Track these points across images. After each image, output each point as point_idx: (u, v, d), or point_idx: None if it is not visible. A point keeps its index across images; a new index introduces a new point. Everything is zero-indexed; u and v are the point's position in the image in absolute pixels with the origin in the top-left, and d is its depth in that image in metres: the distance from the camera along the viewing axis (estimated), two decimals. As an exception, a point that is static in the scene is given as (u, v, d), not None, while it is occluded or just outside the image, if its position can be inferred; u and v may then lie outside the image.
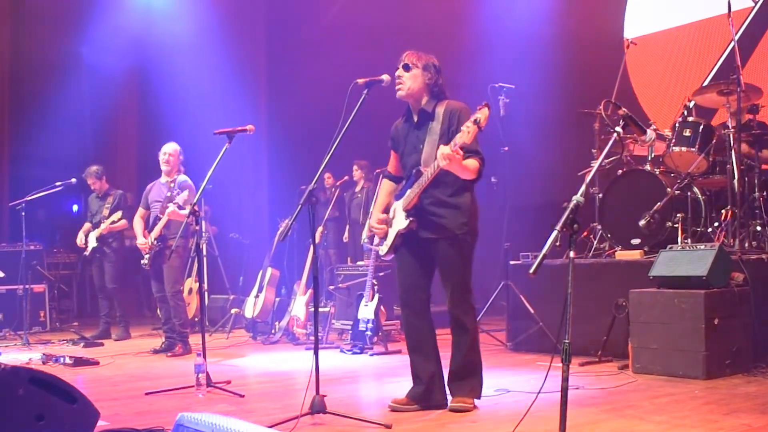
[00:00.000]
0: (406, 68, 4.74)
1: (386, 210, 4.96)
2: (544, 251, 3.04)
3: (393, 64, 4.80)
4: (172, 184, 7.85)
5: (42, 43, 12.33)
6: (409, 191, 4.71)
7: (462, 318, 4.75)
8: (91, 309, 11.51)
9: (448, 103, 4.75)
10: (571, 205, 3.11)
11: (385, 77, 4.70)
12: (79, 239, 9.44)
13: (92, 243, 9.33)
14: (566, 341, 3.09)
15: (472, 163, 4.53)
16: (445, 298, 4.78)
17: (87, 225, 9.59)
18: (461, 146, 4.35)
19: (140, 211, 8.18)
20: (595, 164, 3.56)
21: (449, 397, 4.79)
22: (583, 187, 3.18)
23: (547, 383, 3.68)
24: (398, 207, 4.80)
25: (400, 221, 4.74)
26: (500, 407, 4.83)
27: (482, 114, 4.28)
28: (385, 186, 5.14)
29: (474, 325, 4.83)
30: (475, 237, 4.78)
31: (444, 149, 4.35)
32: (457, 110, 4.69)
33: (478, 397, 4.78)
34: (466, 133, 4.28)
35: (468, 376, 4.78)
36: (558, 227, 3.08)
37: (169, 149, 8.05)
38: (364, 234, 5.12)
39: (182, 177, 7.98)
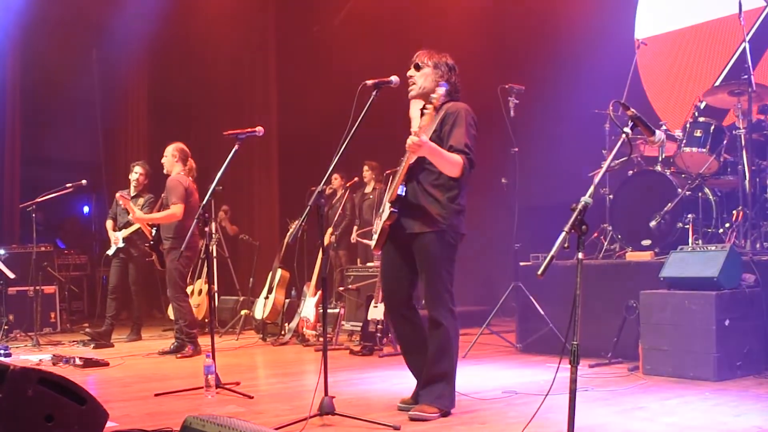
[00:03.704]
0: (417, 67, 4.72)
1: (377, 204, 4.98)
2: (552, 253, 3.03)
3: (404, 64, 4.79)
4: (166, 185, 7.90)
5: (53, 46, 12.36)
6: (394, 181, 4.69)
7: (437, 319, 4.59)
8: (101, 310, 11.54)
9: (454, 103, 4.70)
10: (580, 206, 3.10)
11: (394, 78, 4.67)
12: (113, 237, 9.31)
13: (119, 243, 9.27)
14: (575, 343, 3.08)
15: (453, 156, 4.46)
16: (424, 297, 4.68)
17: (110, 223, 9.42)
18: (422, 129, 4.33)
19: None
20: (604, 164, 3.53)
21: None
22: (592, 189, 3.17)
23: (556, 385, 3.67)
24: (385, 199, 4.77)
25: (385, 213, 4.69)
26: (509, 409, 4.82)
27: (435, 94, 4.33)
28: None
29: (450, 330, 4.62)
30: (458, 236, 4.66)
31: (413, 137, 4.32)
32: (455, 112, 4.60)
33: (445, 407, 4.60)
34: (427, 116, 4.28)
35: (435, 382, 4.61)
36: (566, 229, 3.07)
37: (165, 150, 8.11)
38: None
39: (173, 176, 7.96)
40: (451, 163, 4.47)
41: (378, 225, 4.79)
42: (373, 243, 4.86)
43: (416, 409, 4.57)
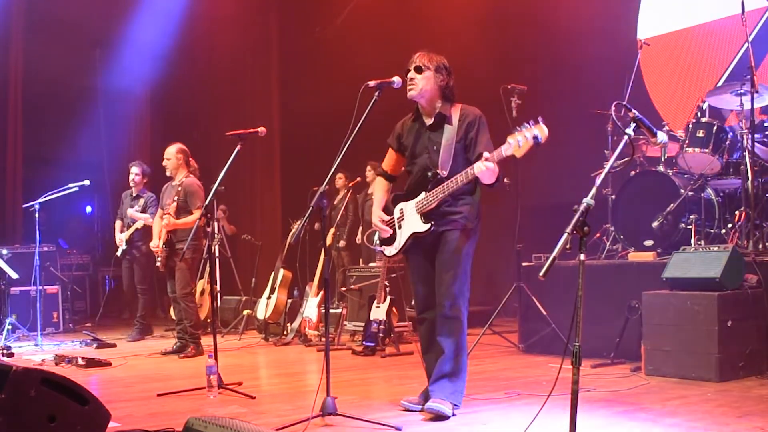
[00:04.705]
0: (419, 70, 4.73)
1: (385, 208, 4.96)
2: (554, 254, 3.02)
3: (406, 64, 4.79)
4: (179, 188, 7.85)
5: (55, 46, 12.38)
6: (426, 195, 4.67)
7: (456, 315, 4.64)
8: (104, 310, 11.57)
9: (462, 107, 4.75)
10: (581, 208, 3.10)
11: (396, 79, 4.69)
12: (118, 239, 9.50)
13: (123, 244, 9.41)
14: (576, 344, 3.08)
15: (495, 167, 4.51)
16: (440, 293, 4.69)
17: (119, 223, 9.66)
18: (510, 157, 4.33)
19: (159, 212, 8.20)
20: (606, 166, 3.53)
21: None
22: (594, 190, 3.17)
23: (558, 385, 3.67)
24: (409, 208, 4.76)
25: (416, 224, 4.70)
26: (511, 409, 4.82)
27: (541, 132, 4.20)
28: (382, 185, 5.10)
29: (465, 326, 4.70)
30: (477, 235, 4.76)
31: (488, 163, 4.33)
32: (475, 119, 4.70)
33: (458, 403, 4.65)
34: (516, 146, 4.23)
35: (449, 377, 4.66)
36: (568, 230, 3.06)
37: (167, 152, 8.04)
38: (376, 236, 5.06)
39: (188, 180, 7.94)
40: (495, 173, 4.50)
41: (401, 233, 4.79)
42: (394, 251, 4.86)
43: (435, 401, 4.56)
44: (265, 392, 5.71)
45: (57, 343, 9.18)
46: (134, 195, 9.53)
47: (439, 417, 4.52)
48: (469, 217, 4.69)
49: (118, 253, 9.54)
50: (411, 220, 4.75)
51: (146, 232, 9.18)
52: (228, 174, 5.95)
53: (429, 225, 4.65)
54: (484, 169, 4.35)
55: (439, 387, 4.65)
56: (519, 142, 4.21)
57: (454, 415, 4.59)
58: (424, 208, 4.68)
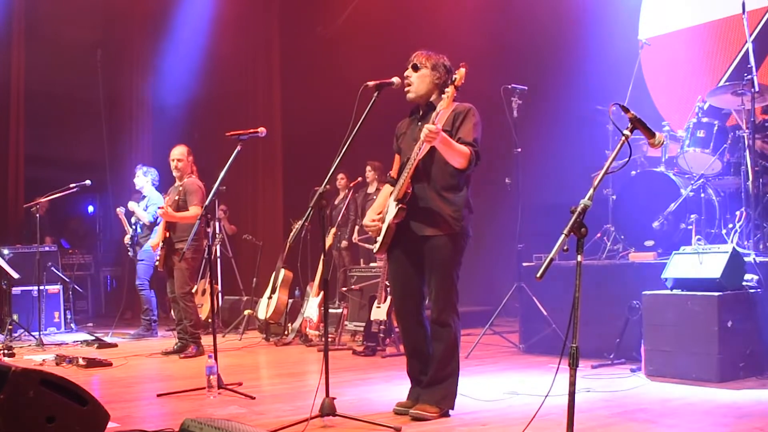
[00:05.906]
0: (415, 68, 4.72)
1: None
2: (551, 255, 3.03)
3: (406, 65, 4.79)
4: (181, 187, 7.89)
5: (56, 45, 12.39)
6: (399, 179, 4.61)
7: (445, 320, 4.60)
8: (107, 310, 11.59)
9: (460, 103, 4.68)
10: (579, 209, 3.10)
11: (396, 80, 4.68)
12: (126, 238, 9.73)
13: (129, 241, 9.67)
14: (574, 345, 3.08)
15: (462, 147, 4.47)
16: (429, 298, 4.68)
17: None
18: (443, 112, 4.35)
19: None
20: (604, 167, 3.53)
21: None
22: (591, 191, 3.17)
23: (559, 385, 3.67)
24: (390, 200, 4.68)
25: (391, 211, 4.60)
26: (510, 409, 4.82)
27: (459, 74, 4.32)
28: (386, 190, 4.99)
29: (457, 332, 4.66)
30: (467, 239, 4.66)
31: (429, 126, 4.31)
32: (464, 110, 4.64)
33: (448, 407, 4.65)
34: (446, 99, 4.30)
35: (440, 383, 4.64)
36: (565, 231, 3.07)
37: (176, 154, 8.06)
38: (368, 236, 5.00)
39: (190, 179, 7.99)
40: (460, 154, 4.47)
41: (383, 227, 4.67)
42: (377, 246, 4.77)
43: (418, 408, 4.59)
44: (265, 392, 5.70)
45: (58, 342, 9.19)
46: (142, 195, 9.72)
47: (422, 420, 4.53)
48: (455, 220, 4.58)
49: (130, 252, 9.75)
50: (390, 210, 4.65)
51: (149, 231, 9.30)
52: (229, 174, 5.96)
53: (397, 208, 4.52)
54: (427, 132, 4.29)
55: (430, 392, 4.66)
56: (447, 92, 4.35)
57: (443, 416, 4.59)
58: (397, 194, 4.59)
